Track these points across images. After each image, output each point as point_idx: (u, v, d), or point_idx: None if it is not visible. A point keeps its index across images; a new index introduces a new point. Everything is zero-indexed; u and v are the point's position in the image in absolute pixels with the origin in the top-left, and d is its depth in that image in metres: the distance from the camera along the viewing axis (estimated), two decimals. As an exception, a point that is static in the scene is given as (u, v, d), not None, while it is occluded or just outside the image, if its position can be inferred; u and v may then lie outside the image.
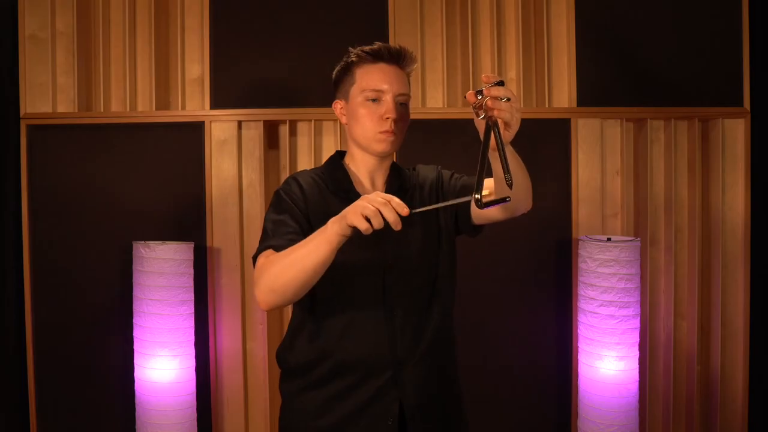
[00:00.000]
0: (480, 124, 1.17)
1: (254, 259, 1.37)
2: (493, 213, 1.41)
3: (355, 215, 1.13)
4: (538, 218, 2.55)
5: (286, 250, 1.27)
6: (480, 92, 1.15)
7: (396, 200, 1.12)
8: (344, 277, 1.37)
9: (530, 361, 2.61)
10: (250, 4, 2.60)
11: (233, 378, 2.60)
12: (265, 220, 1.42)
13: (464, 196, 1.45)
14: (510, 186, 1.12)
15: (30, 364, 2.56)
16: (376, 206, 1.11)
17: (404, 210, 1.12)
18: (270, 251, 1.32)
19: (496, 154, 1.20)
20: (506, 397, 2.61)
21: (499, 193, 1.29)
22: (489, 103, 1.14)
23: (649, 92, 2.61)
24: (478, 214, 1.44)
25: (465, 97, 1.19)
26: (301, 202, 1.40)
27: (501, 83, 1.15)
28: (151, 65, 2.59)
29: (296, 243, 1.29)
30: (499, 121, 1.14)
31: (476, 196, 1.10)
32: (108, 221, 2.58)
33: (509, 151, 1.18)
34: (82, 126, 2.58)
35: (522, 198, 1.33)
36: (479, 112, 1.16)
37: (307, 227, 1.36)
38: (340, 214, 1.18)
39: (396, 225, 1.11)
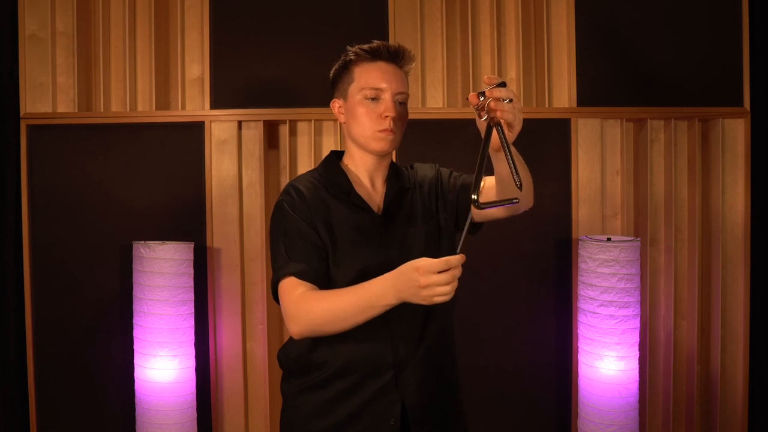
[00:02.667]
0: (482, 126, 1.17)
1: (274, 284, 1.37)
2: (495, 211, 1.41)
3: (423, 301, 1.16)
4: (538, 218, 2.56)
5: (330, 297, 1.28)
6: (482, 94, 1.15)
7: (457, 270, 1.14)
8: (349, 278, 1.37)
9: (530, 361, 2.61)
10: (250, 4, 2.60)
11: (233, 378, 2.60)
12: (275, 238, 1.41)
13: (463, 195, 1.45)
14: (520, 188, 1.12)
15: (30, 363, 2.56)
16: (446, 293, 1.14)
17: (463, 260, 1.15)
18: (293, 279, 1.33)
19: (499, 154, 1.20)
20: (506, 396, 2.61)
21: (503, 194, 1.29)
22: (492, 104, 1.14)
23: (649, 92, 2.61)
24: (479, 213, 1.44)
25: (467, 99, 1.20)
26: (306, 212, 1.39)
27: (503, 84, 1.15)
28: (151, 65, 2.59)
29: (314, 262, 1.32)
30: (502, 122, 1.14)
31: (473, 196, 1.10)
32: (108, 221, 2.58)
33: (513, 151, 1.18)
34: (82, 126, 2.58)
35: (524, 196, 1.34)
36: (482, 113, 1.16)
37: (315, 237, 1.36)
38: (397, 289, 1.19)
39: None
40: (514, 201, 1.13)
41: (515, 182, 1.11)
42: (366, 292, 1.23)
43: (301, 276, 1.32)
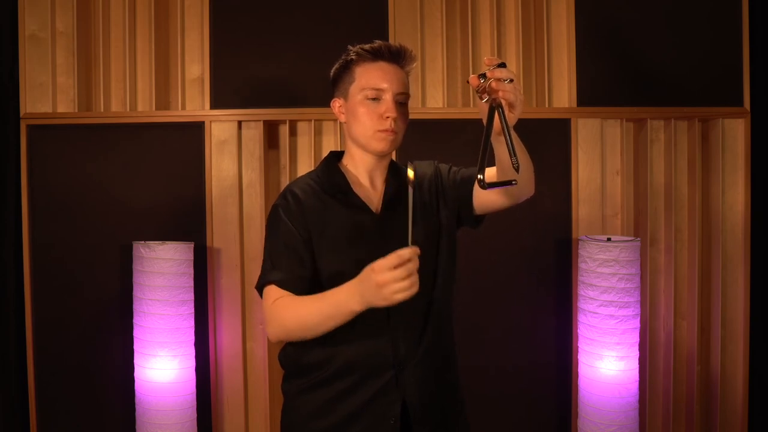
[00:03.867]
0: (483, 108, 1.17)
1: (258, 289, 1.40)
2: (497, 200, 1.41)
3: (385, 301, 1.16)
4: (538, 218, 2.56)
5: (300, 304, 1.30)
6: (483, 75, 1.16)
7: (412, 263, 1.13)
8: (348, 280, 1.37)
9: (530, 361, 2.61)
10: (250, 4, 2.60)
11: (233, 378, 2.60)
12: (266, 241, 1.43)
13: (464, 188, 1.45)
14: (517, 169, 1.13)
15: (30, 364, 2.56)
16: (405, 288, 1.13)
17: (416, 252, 1.15)
18: (274, 288, 1.35)
19: (500, 138, 1.20)
20: (506, 396, 2.61)
21: (503, 179, 1.29)
22: (493, 84, 1.14)
23: (649, 92, 2.61)
24: (480, 204, 1.44)
25: (467, 81, 1.20)
26: (300, 217, 1.39)
27: (503, 65, 1.15)
28: (151, 65, 2.59)
29: (296, 270, 1.34)
30: (504, 103, 1.14)
31: (479, 176, 1.10)
32: (108, 221, 2.58)
33: (513, 134, 1.18)
34: (82, 126, 2.58)
35: (525, 182, 1.34)
36: (483, 95, 1.17)
37: (302, 246, 1.38)
38: (360, 294, 1.19)
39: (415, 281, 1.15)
40: (513, 182, 1.13)
41: (513, 164, 1.12)
42: (332, 300, 1.26)
43: (281, 284, 1.35)
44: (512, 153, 1.13)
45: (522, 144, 1.28)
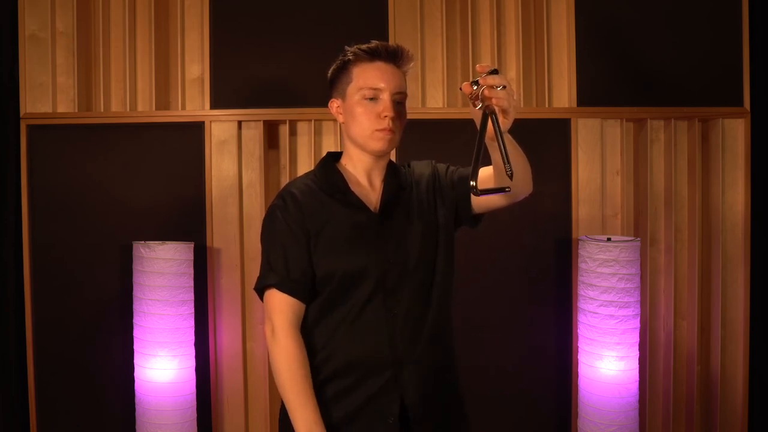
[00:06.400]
0: (477, 114, 1.17)
1: (257, 291, 1.42)
2: (494, 200, 1.41)
3: None
4: (539, 218, 2.56)
5: (289, 386, 1.34)
6: (476, 82, 1.16)
7: None
8: (346, 280, 1.37)
9: (530, 360, 2.61)
10: (250, 4, 2.60)
11: (233, 378, 2.60)
12: (263, 243, 1.44)
13: (462, 187, 1.46)
14: (510, 177, 1.12)
15: (30, 364, 2.56)
16: None
17: None
18: (275, 291, 1.38)
19: (494, 144, 1.20)
20: (506, 396, 2.61)
21: (500, 182, 1.29)
22: (486, 92, 1.14)
23: (649, 92, 2.61)
24: (478, 203, 1.45)
25: (461, 88, 1.20)
26: (297, 218, 1.40)
27: (495, 72, 1.15)
28: (151, 65, 2.59)
29: (294, 273, 1.37)
30: (497, 110, 1.14)
31: (472, 183, 1.10)
32: (108, 221, 2.58)
33: (507, 139, 1.18)
34: (82, 126, 2.58)
35: (522, 182, 1.34)
36: (476, 102, 1.17)
37: (300, 248, 1.39)
38: None
39: None
40: (507, 189, 1.14)
41: (506, 171, 1.12)
42: (298, 420, 1.32)
43: (279, 287, 1.37)
44: (506, 161, 1.12)
45: (517, 145, 1.28)
